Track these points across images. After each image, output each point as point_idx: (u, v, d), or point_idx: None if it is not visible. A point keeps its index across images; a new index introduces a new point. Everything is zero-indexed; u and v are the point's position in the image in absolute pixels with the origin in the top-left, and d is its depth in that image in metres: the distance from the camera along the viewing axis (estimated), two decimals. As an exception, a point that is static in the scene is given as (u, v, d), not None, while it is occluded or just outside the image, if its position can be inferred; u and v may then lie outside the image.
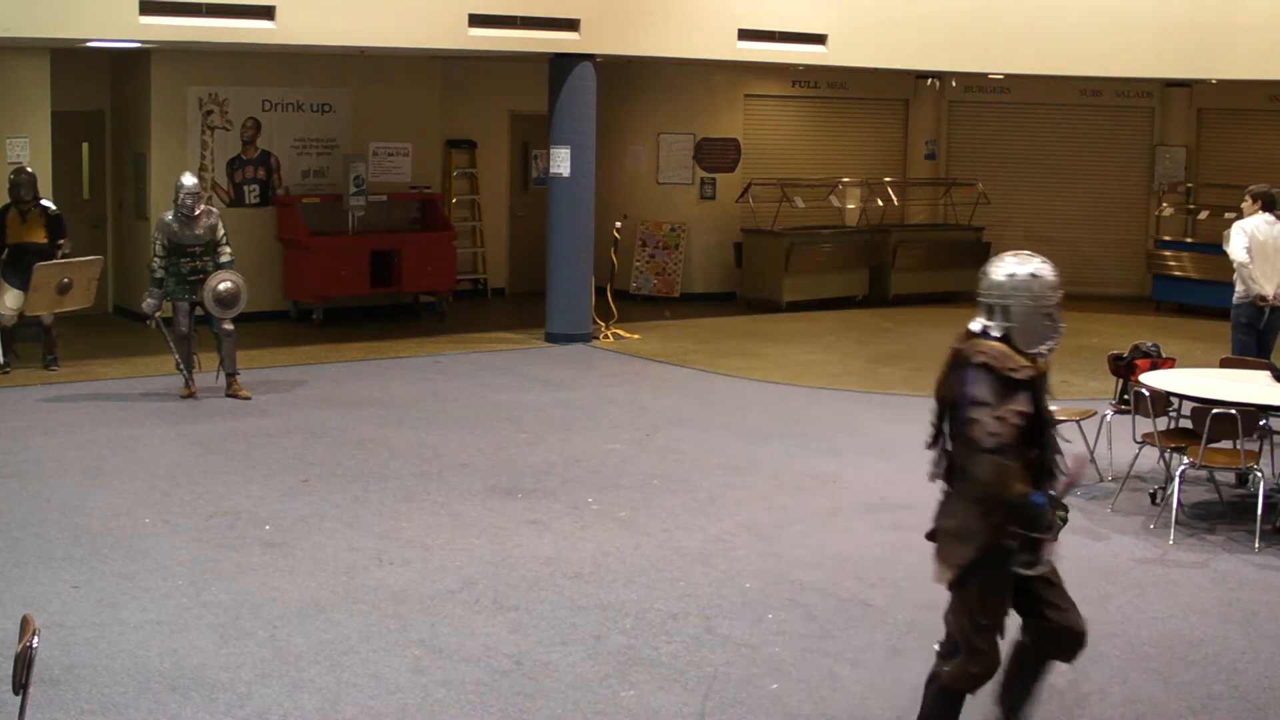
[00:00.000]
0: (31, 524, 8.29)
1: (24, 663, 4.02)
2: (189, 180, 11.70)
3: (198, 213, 11.60)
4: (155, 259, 11.70)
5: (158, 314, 11.76)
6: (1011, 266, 5.08)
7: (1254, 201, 11.37)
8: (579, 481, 9.48)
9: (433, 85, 17.06)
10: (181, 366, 11.78)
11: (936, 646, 5.25)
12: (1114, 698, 6.18)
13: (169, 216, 11.66)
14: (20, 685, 4.03)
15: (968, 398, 4.92)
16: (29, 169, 12.95)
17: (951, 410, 5.05)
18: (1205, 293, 17.25)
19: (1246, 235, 11.05)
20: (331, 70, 16.11)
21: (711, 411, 11.77)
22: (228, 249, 11.84)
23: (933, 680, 5.20)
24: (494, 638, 6.67)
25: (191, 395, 11.73)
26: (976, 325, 5.06)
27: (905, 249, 18.62)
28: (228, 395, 11.75)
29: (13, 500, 8.77)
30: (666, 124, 18.41)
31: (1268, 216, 11.22)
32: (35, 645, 4.05)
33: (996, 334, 5.04)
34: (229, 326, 11.73)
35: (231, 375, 11.83)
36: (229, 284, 11.72)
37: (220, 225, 11.83)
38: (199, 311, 11.84)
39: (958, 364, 5.04)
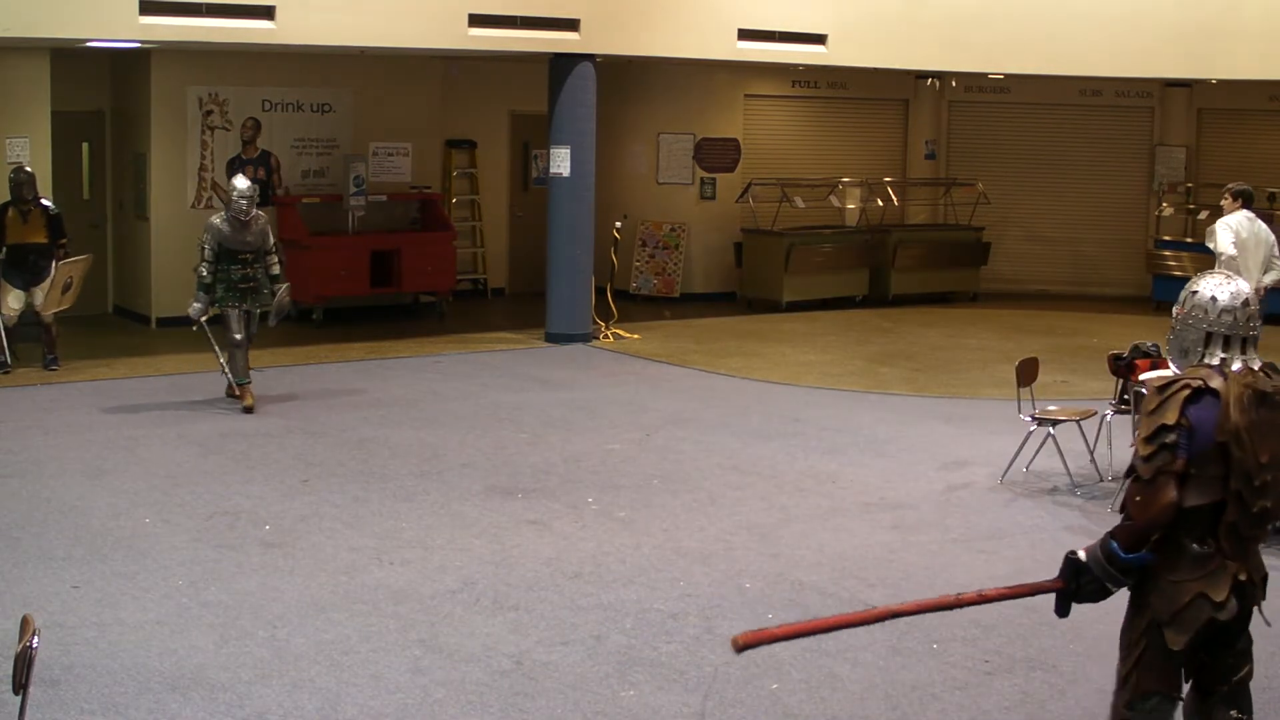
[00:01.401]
0: (31, 524, 8.29)
1: (24, 663, 4.02)
2: (243, 183, 11.29)
3: (249, 217, 11.22)
4: (204, 264, 11.23)
5: (203, 319, 11.39)
6: (1246, 285, 4.69)
7: (1234, 199, 11.58)
8: (579, 481, 9.48)
9: (433, 85, 17.06)
10: (227, 372, 11.47)
11: (1243, 716, 4.73)
12: (1114, 698, 6.18)
13: (219, 221, 11.24)
14: (20, 685, 4.03)
15: None
16: (28, 168, 12.94)
17: None
18: (1205, 293, 17.22)
19: (1233, 231, 11.25)
20: (331, 70, 16.11)
21: (711, 411, 11.77)
22: (277, 259, 11.55)
23: None
24: (494, 638, 6.67)
25: (252, 408, 11.26)
26: (1258, 363, 4.60)
27: (905, 249, 18.62)
28: (228, 395, 11.63)
29: (13, 500, 8.77)
30: (666, 124, 18.41)
31: (1248, 213, 11.46)
32: (35, 645, 4.04)
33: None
34: (245, 335, 11.44)
35: (243, 384, 11.52)
36: (289, 299, 11.72)
37: (270, 231, 11.52)
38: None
39: None
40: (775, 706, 5.98)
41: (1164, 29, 16.22)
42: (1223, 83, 17.83)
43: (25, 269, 12.61)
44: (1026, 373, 9.82)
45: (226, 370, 11.54)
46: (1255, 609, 4.69)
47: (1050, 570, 4.95)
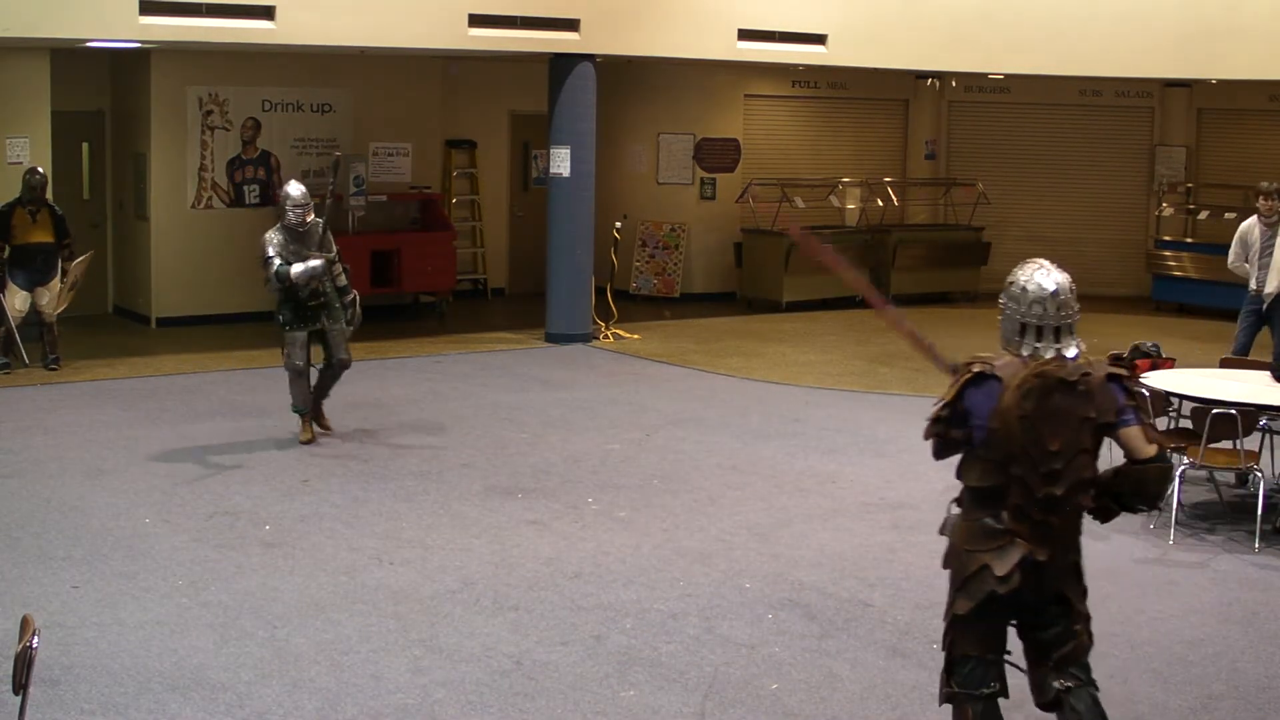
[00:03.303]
0: (31, 524, 8.29)
1: (24, 663, 4.02)
2: (296, 190, 10.08)
3: (307, 226, 10.02)
4: (273, 272, 9.93)
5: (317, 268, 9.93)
6: (1061, 273, 4.82)
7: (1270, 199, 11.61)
8: (579, 481, 9.48)
9: (433, 85, 17.06)
10: (299, 408, 10.36)
11: (1066, 683, 4.86)
12: (1114, 698, 6.18)
13: (276, 236, 9.99)
14: (20, 685, 4.03)
15: (1131, 408, 4.81)
16: (40, 170, 12.94)
17: (1098, 432, 4.74)
18: (1205, 293, 17.26)
19: None
20: (331, 70, 16.11)
21: (711, 411, 11.77)
22: (342, 267, 10.29)
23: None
24: (494, 638, 6.67)
25: (312, 440, 10.32)
26: (1072, 351, 4.77)
27: (905, 249, 18.63)
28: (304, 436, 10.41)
29: (13, 500, 8.77)
30: (666, 124, 18.41)
31: None
32: (35, 645, 4.04)
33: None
34: (345, 356, 10.38)
35: (319, 405, 10.59)
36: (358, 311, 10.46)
37: (332, 239, 10.20)
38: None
39: (1089, 391, 4.71)
40: (775, 706, 5.98)
41: (1164, 29, 16.22)
42: (1223, 83, 17.83)
43: (32, 269, 12.62)
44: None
45: (300, 408, 10.41)
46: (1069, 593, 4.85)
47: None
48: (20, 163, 13.60)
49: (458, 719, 5.82)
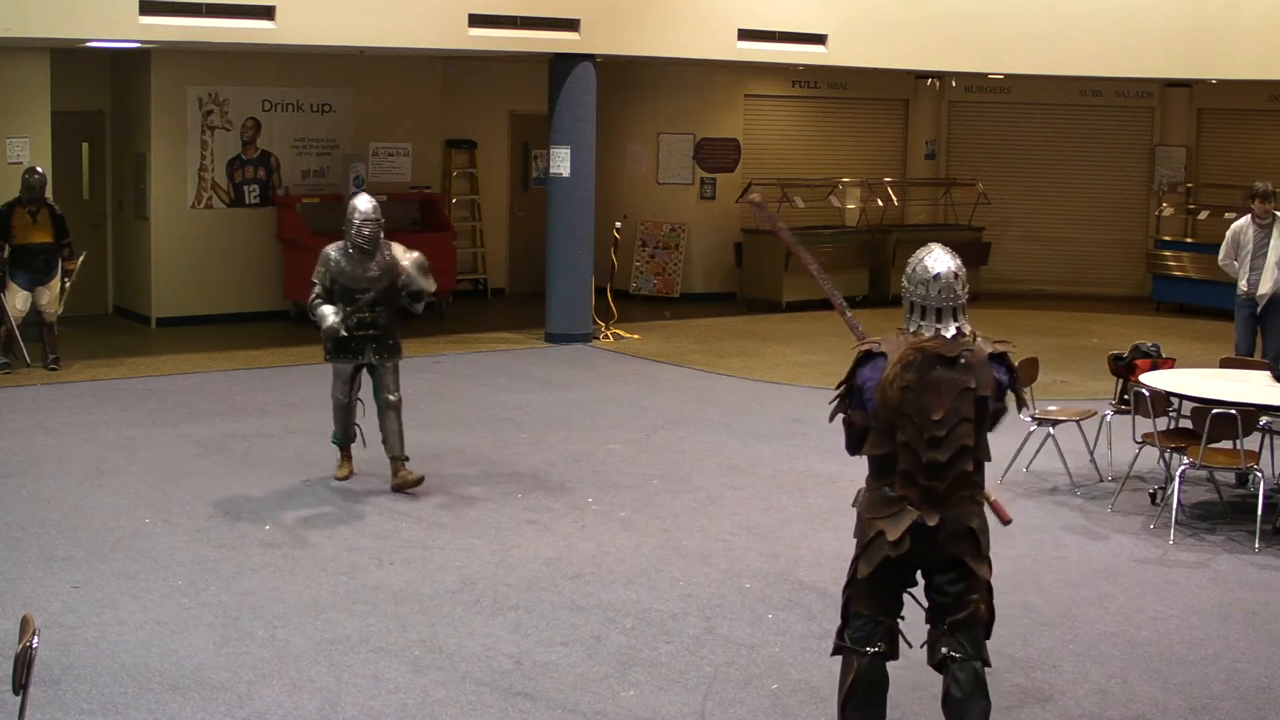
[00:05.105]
0: (31, 524, 8.29)
1: (24, 663, 4.02)
2: (365, 204, 8.93)
3: (376, 246, 8.95)
4: (315, 299, 9.00)
5: (338, 324, 8.87)
6: (952, 260, 5.07)
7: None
8: (579, 481, 9.48)
9: (433, 85, 17.07)
10: (339, 440, 9.42)
11: (953, 652, 5.12)
12: (1114, 698, 6.19)
13: (335, 251, 8.98)
14: (20, 685, 4.03)
15: (1008, 383, 5.08)
16: (39, 169, 12.94)
17: (979, 404, 5.01)
18: (1205, 293, 17.26)
19: None
20: (331, 70, 16.11)
21: (711, 411, 11.77)
22: (410, 299, 9.10)
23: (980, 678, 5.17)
24: (494, 638, 6.67)
25: (349, 476, 9.35)
26: (951, 331, 5.00)
27: (905, 249, 18.53)
28: (393, 487, 9.08)
29: (13, 500, 8.77)
30: (666, 124, 18.41)
31: None
32: (35, 645, 4.05)
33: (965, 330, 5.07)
34: (394, 397, 9.11)
35: (398, 460, 9.13)
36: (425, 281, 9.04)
37: (400, 266, 9.03)
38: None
39: (970, 365, 4.97)
40: (775, 706, 5.98)
41: (1164, 29, 16.22)
42: (1223, 83, 17.83)
43: (32, 269, 12.62)
44: (1026, 373, 9.81)
45: (339, 441, 9.46)
46: (965, 558, 5.11)
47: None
48: (20, 163, 13.59)
49: (457, 719, 5.82)
